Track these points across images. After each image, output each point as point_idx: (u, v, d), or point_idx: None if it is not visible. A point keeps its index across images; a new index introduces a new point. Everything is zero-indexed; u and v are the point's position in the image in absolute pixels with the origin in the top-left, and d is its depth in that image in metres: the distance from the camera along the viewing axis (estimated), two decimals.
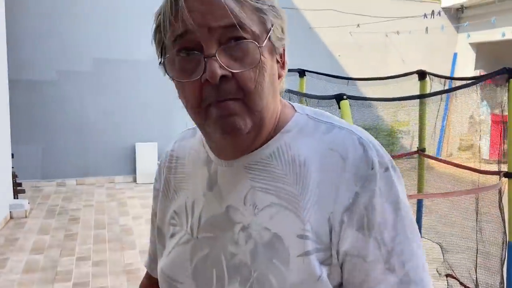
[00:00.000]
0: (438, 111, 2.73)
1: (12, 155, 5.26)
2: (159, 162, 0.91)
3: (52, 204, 5.45)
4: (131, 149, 6.70)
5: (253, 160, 0.71)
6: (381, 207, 0.64)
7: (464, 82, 2.45)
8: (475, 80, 1.97)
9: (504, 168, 1.92)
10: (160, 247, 0.84)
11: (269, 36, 0.66)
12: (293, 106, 0.76)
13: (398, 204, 0.65)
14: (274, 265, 0.66)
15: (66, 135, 6.38)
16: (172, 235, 0.79)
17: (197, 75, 0.63)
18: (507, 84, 1.86)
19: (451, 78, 2.39)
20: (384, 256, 0.63)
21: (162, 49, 0.69)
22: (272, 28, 0.66)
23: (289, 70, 1.81)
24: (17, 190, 5.33)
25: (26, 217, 4.90)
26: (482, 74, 8.21)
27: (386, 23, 7.26)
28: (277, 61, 0.70)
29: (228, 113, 0.64)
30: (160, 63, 0.69)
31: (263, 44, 0.64)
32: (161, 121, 6.83)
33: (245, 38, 0.63)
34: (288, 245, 0.65)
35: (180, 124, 6.87)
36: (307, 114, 0.74)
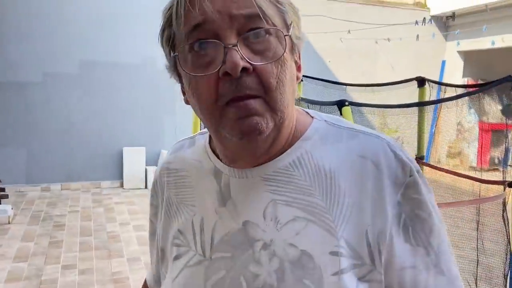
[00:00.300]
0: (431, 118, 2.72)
1: None
2: (155, 175, 0.82)
3: (36, 210, 5.29)
4: (118, 153, 6.56)
5: (272, 170, 0.66)
6: (423, 214, 0.63)
7: (459, 88, 2.43)
8: (481, 87, 1.93)
9: (509, 177, 1.90)
10: (163, 271, 0.76)
11: (290, 33, 0.62)
12: (307, 113, 0.72)
13: (434, 208, 0.65)
14: (305, 285, 0.60)
15: (51, 139, 6.22)
16: (177, 257, 0.72)
17: (214, 67, 0.58)
18: (511, 92, 1.84)
19: (451, 85, 2.36)
20: (434, 262, 0.64)
21: (170, 47, 0.64)
22: (292, 25, 0.62)
23: None
24: (0, 195, 5.16)
25: (9, 223, 4.74)
26: (469, 82, 8.31)
27: (377, 30, 7.29)
28: (295, 62, 0.66)
29: (249, 113, 0.59)
30: (169, 62, 0.66)
31: (284, 38, 0.60)
32: (149, 125, 6.72)
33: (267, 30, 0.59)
34: (319, 263, 0.60)
35: (169, 129, 6.80)
36: (326, 120, 0.70)
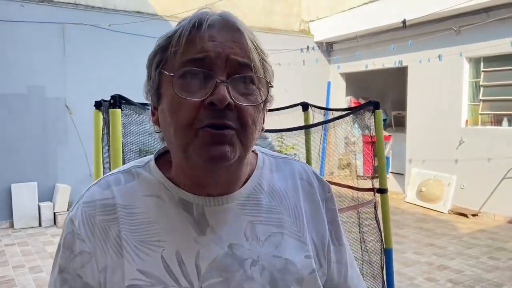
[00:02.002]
0: (321, 136, 3.05)
1: None
2: (76, 215, 0.72)
3: None
4: (5, 190, 6.02)
5: (242, 196, 0.74)
6: (338, 220, 0.84)
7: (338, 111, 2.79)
8: (350, 111, 2.28)
9: (377, 184, 2.25)
10: None
11: (269, 91, 0.70)
12: None
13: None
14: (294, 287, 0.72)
15: None
16: None
17: (201, 96, 0.64)
18: (372, 114, 2.20)
19: (329, 109, 2.71)
20: (349, 259, 0.85)
21: (158, 71, 0.69)
22: (271, 85, 0.71)
23: None
24: None
25: None
26: (351, 100, 9.23)
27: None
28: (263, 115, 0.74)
29: (223, 140, 0.65)
30: (151, 83, 0.70)
31: (266, 92, 0.70)
32: (40, 158, 6.29)
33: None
34: (300, 266, 0.74)
35: (62, 161, 6.42)
36: (263, 152, 0.83)
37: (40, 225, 6.04)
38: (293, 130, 2.10)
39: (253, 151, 0.81)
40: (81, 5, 6.57)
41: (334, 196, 0.85)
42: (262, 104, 0.70)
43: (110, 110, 1.63)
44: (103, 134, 2.21)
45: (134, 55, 6.84)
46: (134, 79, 6.62)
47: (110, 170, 2.14)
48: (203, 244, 0.69)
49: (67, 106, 6.45)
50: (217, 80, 0.64)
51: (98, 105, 2.13)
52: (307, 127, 2.39)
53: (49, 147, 6.34)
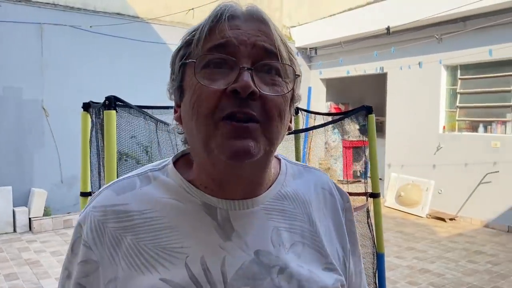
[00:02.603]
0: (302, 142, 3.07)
1: None
2: (85, 220, 0.67)
3: None
4: None
5: (267, 200, 0.70)
6: (355, 230, 0.81)
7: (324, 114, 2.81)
8: (343, 115, 2.28)
9: (368, 189, 2.26)
10: None
11: (295, 83, 0.67)
12: None
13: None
14: None
15: None
16: None
17: (224, 83, 0.60)
18: (366, 118, 2.22)
19: (320, 114, 2.71)
20: (362, 269, 0.84)
21: (181, 65, 0.66)
22: (299, 77, 0.68)
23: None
24: None
25: None
26: (332, 105, 9.33)
27: None
28: (291, 112, 0.70)
29: (245, 135, 0.60)
30: (174, 79, 0.67)
31: (292, 84, 0.66)
32: (16, 162, 6.09)
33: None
34: (322, 279, 0.69)
35: (39, 165, 6.23)
36: (284, 159, 0.80)
37: (14, 230, 5.84)
38: (294, 133, 2.08)
39: (275, 156, 0.77)
40: (60, 5, 6.42)
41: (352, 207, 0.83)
42: (289, 100, 0.66)
43: (105, 111, 1.58)
44: (91, 137, 2.15)
45: (114, 58, 6.72)
46: (114, 81, 6.54)
47: (98, 175, 2.08)
48: (228, 250, 0.65)
49: (44, 109, 6.27)
50: (241, 67, 0.61)
51: (86, 107, 2.06)
52: (303, 131, 2.39)
53: (25, 151, 6.14)
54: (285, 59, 0.64)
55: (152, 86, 6.25)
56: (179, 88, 0.67)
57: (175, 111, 0.70)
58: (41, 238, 5.60)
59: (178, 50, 0.67)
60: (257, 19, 0.65)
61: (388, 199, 7.57)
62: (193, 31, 0.65)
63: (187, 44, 0.66)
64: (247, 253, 0.65)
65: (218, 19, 0.63)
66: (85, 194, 2.18)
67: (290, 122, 0.70)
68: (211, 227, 0.66)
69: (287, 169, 0.77)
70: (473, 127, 6.69)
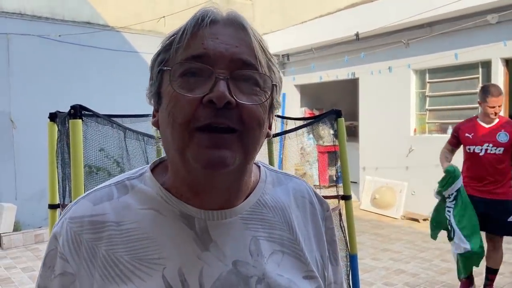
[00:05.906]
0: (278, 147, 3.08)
1: None
2: (61, 233, 0.66)
3: None
4: None
5: (245, 210, 0.69)
6: (335, 239, 0.81)
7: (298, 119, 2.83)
8: (313, 119, 2.31)
9: (341, 192, 2.29)
10: None
11: (273, 92, 0.66)
12: None
13: None
14: None
15: None
16: None
17: (200, 93, 0.60)
18: (335, 122, 2.25)
19: (292, 118, 2.74)
20: (342, 277, 0.83)
21: (159, 70, 0.65)
22: (277, 86, 0.67)
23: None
24: None
25: None
26: (306, 111, 9.42)
27: None
28: (269, 120, 0.69)
29: (221, 145, 0.60)
30: (153, 84, 0.66)
31: (269, 92, 0.65)
32: None
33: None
34: (302, 287, 0.69)
35: (7, 178, 6.04)
36: (264, 166, 0.79)
37: None
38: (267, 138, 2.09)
39: (255, 163, 0.76)
40: (27, 15, 6.29)
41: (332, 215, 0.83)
42: (268, 108, 0.66)
43: (70, 121, 1.54)
44: (57, 148, 2.10)
45: (84, 67, 6.61)
46: (84, 91, 6.42)
47: (66, 187, 2.03)
48: (206, 261, 0.64)
49: (11, 121, 6.10)
50: (217, 76, 0.60)
51: (53, 116, 2.02)
52: (274, 136, 2.40)
53: None
54: (264, 68, 0.64)
55: (123, 95, 6.17)
56: (157, 93, 0.66)
57: (154, 116, 0.69)
58: (11, 254, 5.42)
59: (158, 54, 0.66)
60: (236, 25, 0.64)
61: (363, 202, 7.67)
62: (172, 35, 0.65)
63: (165, 49, 0.65)
64: (225, 264, 0.65)
65: (198, 25, 0.63)
66: (53, 207, 2.13)
67: (270, 128, 0.69)
68: (189, 237, 0.65)
69: (266, 177, 0.76)
70: (443, 129, 6.87)
